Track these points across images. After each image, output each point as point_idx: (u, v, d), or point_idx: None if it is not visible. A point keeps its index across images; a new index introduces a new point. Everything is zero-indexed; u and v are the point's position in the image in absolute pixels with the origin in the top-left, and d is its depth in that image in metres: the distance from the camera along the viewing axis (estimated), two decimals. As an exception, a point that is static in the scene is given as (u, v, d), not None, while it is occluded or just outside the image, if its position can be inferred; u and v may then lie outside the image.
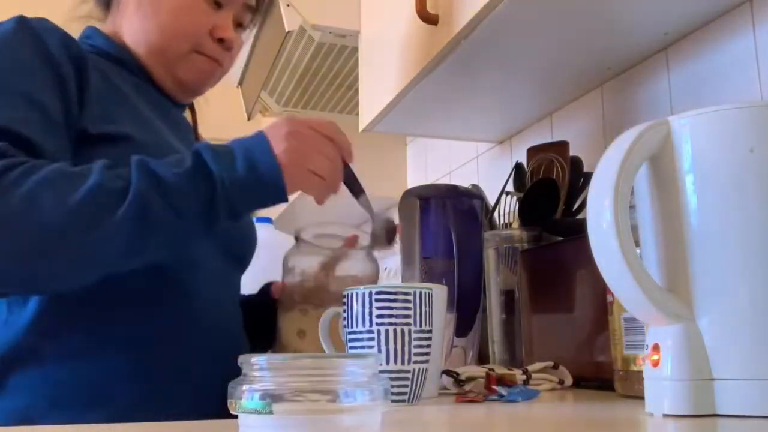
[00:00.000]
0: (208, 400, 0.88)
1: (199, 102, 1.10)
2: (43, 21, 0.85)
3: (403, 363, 0.68)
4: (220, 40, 0.98)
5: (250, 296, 1.10)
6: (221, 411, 0.90)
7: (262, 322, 1.04)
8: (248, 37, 1.08)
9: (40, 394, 0.79)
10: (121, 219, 0.70)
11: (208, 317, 0.90)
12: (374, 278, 0.98)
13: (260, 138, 0.79)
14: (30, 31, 0.82)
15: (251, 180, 0.76)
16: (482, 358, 1.15)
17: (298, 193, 0.82)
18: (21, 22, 0.83)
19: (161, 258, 0.81)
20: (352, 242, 1.02)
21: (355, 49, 1.62)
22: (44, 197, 0.70)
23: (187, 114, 1.09)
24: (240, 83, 2.12)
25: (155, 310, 0.85)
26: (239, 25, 1.03)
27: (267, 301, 1.05)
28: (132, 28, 0.97)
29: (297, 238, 0.99)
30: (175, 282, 0.87)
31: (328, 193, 0.84)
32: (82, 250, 0.71)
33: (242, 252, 1.03)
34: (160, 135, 0.92)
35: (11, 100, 0.77)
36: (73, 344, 0.80)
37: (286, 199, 0.78)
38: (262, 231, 1.81)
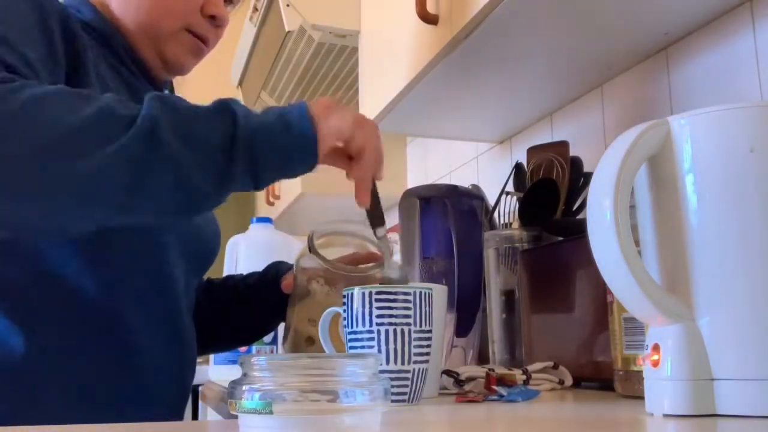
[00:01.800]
0: (164, 402, 0.90)
1: (177, 81, 1.08)
2: None
3: (403, 363, 0.68)
4: (211, 17, 0.95)
5: (258, 281, 1.09)
6: (178, 411, 0.92)
7: (271, 312, 1.05)
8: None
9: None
10: (127, 142, 0.63)
11: (169, 328, 0.90)
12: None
13: (298, 103, 0.72)
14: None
15: (278, 127, 0.69)
16: (482, 358, 1.15)
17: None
18: None
19: (163, 223, 0.73)
20: (369, 259, 0.99)
21: (355, 49, 1.63)
22: (45, 109, 0.63)
23: None
24: (240, 83, 2.12)
25: (125, 316, 0.85)
26: (228, 1, 1.00)
27: (278, 293, 1.03)
28: (121, 0, 0.93)
29: (310, 248, 0.94)
30: (146, 290, 0.87)
31: (370, 173, 0.76)
32: (82, 172, 0.62)
33: (206, 263, 1.03)
34: None
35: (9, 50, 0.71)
36: (52, 344, 0.80)
37: (315, 161, 0.71)
38: (263, 231, 1.82)
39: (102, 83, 0.85)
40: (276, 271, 1.08)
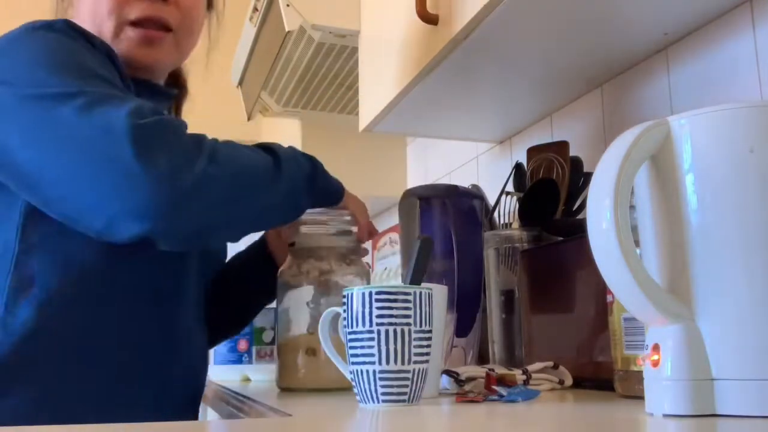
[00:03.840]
0: (172, 401, 0.91)
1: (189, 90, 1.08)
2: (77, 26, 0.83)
3: (403, 363, 0.68)
4: None
5: (247, 255, 1.11)
6: (185, 412, 0.93)
7: (263, 280, 1.07)
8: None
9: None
10: (277, 186, 0.85)
11: (178, 332, 0.92)
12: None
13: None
14: (80, 32, 0.81)
15: (329, 189, 0.97)
16: (482, 358, 1.15)
17: None
18: (68, 23, 0.82)
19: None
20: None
21: (355, 49, 1.62)
22: (243, 159, 0.82)
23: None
24: (240, 83, 2.12)
25: (150, 313, 0.86)
26: None
27: (266, 257, 1.06)
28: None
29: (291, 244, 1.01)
30: (160, 294, 0.88)
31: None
32: (264, 203, 0.84)
33: (215, 265, 1.06)
34: None
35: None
36: (68, 343, 0.80)
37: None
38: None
39: None
40: (262, 239, 1.10)
